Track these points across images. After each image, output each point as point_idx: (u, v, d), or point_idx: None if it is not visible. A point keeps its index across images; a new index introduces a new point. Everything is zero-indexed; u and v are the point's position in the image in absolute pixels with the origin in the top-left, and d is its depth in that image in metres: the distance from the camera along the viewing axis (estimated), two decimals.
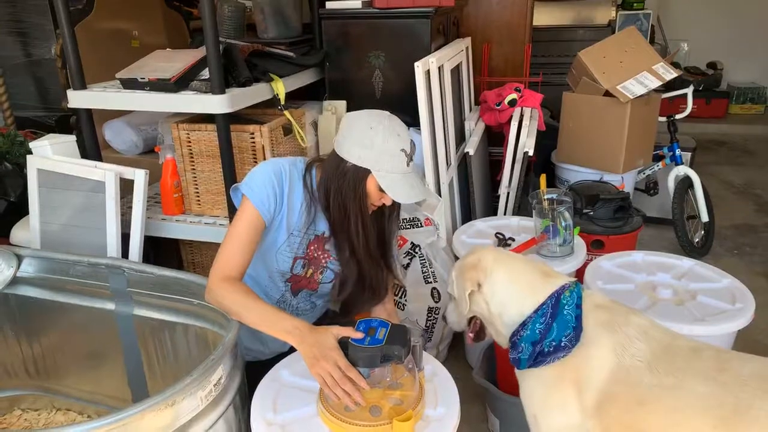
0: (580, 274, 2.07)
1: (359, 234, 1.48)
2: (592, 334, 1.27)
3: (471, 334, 1.53)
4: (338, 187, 1.43)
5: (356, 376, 1.22)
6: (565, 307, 1.29)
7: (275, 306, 1.47)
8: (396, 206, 1.55)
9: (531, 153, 2.73)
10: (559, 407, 1.28)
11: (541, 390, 1.32)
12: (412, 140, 1.43)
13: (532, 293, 1.35)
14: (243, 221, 1.43)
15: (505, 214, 2.82)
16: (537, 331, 1.29)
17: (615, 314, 1.30)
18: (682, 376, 1.18)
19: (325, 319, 1.78)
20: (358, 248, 1.50)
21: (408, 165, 1.40)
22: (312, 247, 1.56)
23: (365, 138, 1.38)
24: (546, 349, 1.28)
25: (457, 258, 2.31)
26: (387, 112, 1.44)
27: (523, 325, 1.32)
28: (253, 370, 1.46)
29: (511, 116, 2.89)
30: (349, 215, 1.45)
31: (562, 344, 1.26)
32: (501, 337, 1.42)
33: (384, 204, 1.47)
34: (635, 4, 5.34)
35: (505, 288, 1.38)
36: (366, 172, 1.39)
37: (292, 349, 1.55)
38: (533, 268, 1.41)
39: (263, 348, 1.69)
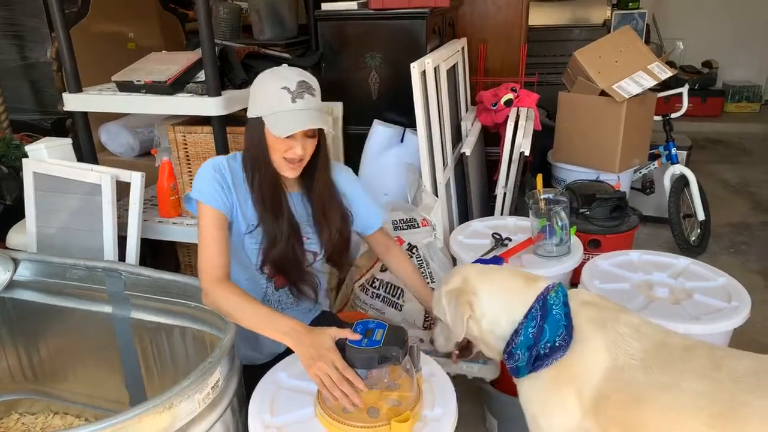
0: (576, 273, 2.07)
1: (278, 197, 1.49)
2: (584, 332, 1.27)
3: (456, 352, 1.52)
4: (248, 147, 1.47)
5: (353, 377, 1.22)
6: (554, 307, 1.29)
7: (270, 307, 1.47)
8: (319, 160, 1.53)
9: (527, 153, 2.73)
10: (559, 408, 1.28)
11: (540, 392, 1.31)
12: (304, 80, 1.43)
13: (520, 300, 1.33)
14: (207, 222, 1.45)
15: (501, 214, 2.82)
16: (530, 335, 1.29)
17: (604, 310, 1.31)
18: (676, 374, 1.19)
19: (322, 321, 1.78)
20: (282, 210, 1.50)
21: (294, 101, 1.40)
22: None
23: (255, 93, 1.45)
24: (542, 352, 1.27)
25: (454, 259, 2.32)
26: (283, 65, 1.49)
27: (516, 332, 1.31)
28: (249, 373, 1.46)
29: (508, 116, 2.89)
30: (263, 175, 1.46)
31: (557, 344, 1.26)
32: (493, 352, 1.41)
33: (295, 155, 1.45)
34: (630, 4, 5.36)
35: (494, 302, 1.36)
36: (261, 122, 1.42)
37: (287, 352, 1.55)
38: (515, 275, 1.40)
39: (257, 354, 1.69)
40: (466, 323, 1.36)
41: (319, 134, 1.49)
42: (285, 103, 1.40)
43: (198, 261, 1.44)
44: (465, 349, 1.50)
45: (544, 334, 1.27)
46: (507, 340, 1.33)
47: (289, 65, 2.46)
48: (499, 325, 1.35)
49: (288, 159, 1.45)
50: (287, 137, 1.40)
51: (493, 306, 1.36)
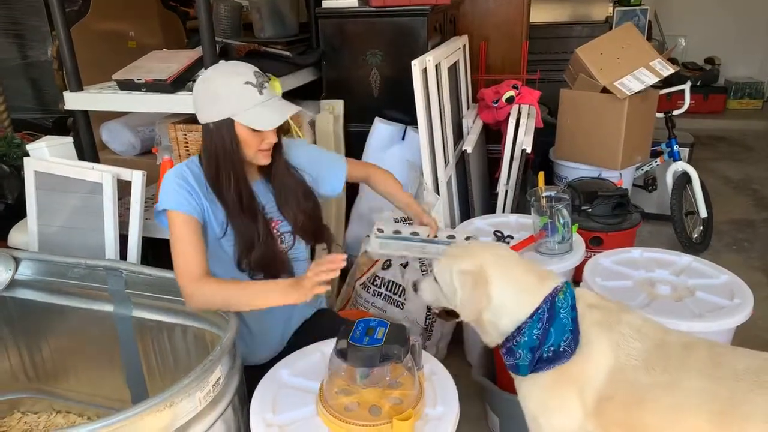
0: (578, 271, 2.07)
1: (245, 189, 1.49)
2: (589, 335, 1.26)
3: (437, 311, 1.50)
4: (215, 153, 1.46)
5: (330, 259, 1.30)
6: (561, 311, 1.27)
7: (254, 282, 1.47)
8: (278, 147, 1.55)
9: (529, 150, 2.73)
10: (560, 409, 1.28)
11: (541, 393, 1.30)
12: (256, 69, 1.44)
13: (528, 298, 1.31)
14: (180, 228, 1.45)
15: (503, 211, 2.82)
16: (535, 337, 1.27)
17: (608, 313, 1.30)
18: (676, 373, 1.18)
19: (322, 319, 1.78)
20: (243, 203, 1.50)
21: (261, 93, 1.42)
22: None
23: (208, 95, 1.43)
24: (545, 355, 1.25)
25: None
26: (221, 62, 1.49)
27: (519, 330, 1.29)
28: (251, 373, 1.46)
29: (509, 114, 2.88)
30: (236, 176, 1.47)
31: (561, 349, 1.24)
32: (488, 339, 1.39)
33: (270, 145, 1.47)
34: (632, 0, 5.34)
35: (504, 296, 1.33)
36: (230, 122, 1.42)
37: (287, 351, 1.55)
38: (529, 271, 1.36)
39: (257, 353, 1.69)
40: (477, 310, 1.33)
41: None
42: (254, 97, 1.41)
43: (174, 269, 1.44)
44: (450, 314, 1.45)
45: (549, 338, 1.25)
46: (507, 335, 1.32)
47: (288, 63, 2.49)
48: (503, 321, 1.33)
49: (263, 150, 1.47)
50: (259, 131, 1.43)
51: (502, 300, 1.33)
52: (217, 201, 1.50)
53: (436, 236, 1.76)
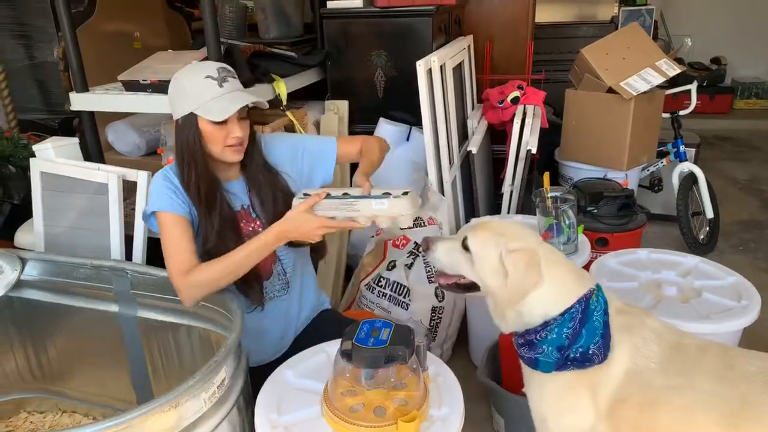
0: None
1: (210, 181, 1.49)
2: (614, 339, 1.24)
3: (448, 280, 1.40)
4: (181, 149, 1.47)
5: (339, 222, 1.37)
6: (594, 313, 1.23)
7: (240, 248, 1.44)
8: (252, 143, 1.54)
9: (534, 151, 2.72)
10: (572, 411, 1.27)
11: (554, 393, 1.29)
12: (223, 66, 1.46)
13: (564, 294, 1.26)
14: (168, 228, 1.45)
15: (508, 212, 2.81)
16: (564, 336, 1.23)
17: (632, 317, 1.28)
18: (690, 375, 1.18)
19: (324, 321, 1.78)
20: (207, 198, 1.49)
21: (222, 86, 1.42)
22: (241, 224, 1.57)
23: (176, 92, 1.46)
24: (572, 355, 1.23)
25: None
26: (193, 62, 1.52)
27: (545, 325, 1.25)
28: (257, 374, 1.46)
29: (514, 114, 2.88)
30: (199, 170, 1.46)
31: (590, 352, 1.22)
32: (504, 324, 1.33)
33: (237, 140, 1.46)
34: (638, 0, 5.32)
35: (545, 290, 1.26)
36: (193, 117, 1.43)
37: (290, 353, 1.55)
38: (572, 267, 1.32)
39: (262, 352, 1.68)
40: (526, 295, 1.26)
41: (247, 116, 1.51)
42: (214, 90, 1.42)
43: (167, 270, 1.45)
44: (462, 287, 1.39)
45: (580, 339, 1.22)
46: (530, 327, 1.28)
47: (293, 64, 2.49)
48: (531, 314, 1.27)
49: (230, 145, 1.46)
50: (224, 123, 1.43)
51: (542, 292, 1.26)
52: (188, 198, 1.50)
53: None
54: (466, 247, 1.34)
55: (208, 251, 1.50)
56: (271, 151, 1.62)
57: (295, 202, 1.41)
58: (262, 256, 1.43)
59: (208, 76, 1.42)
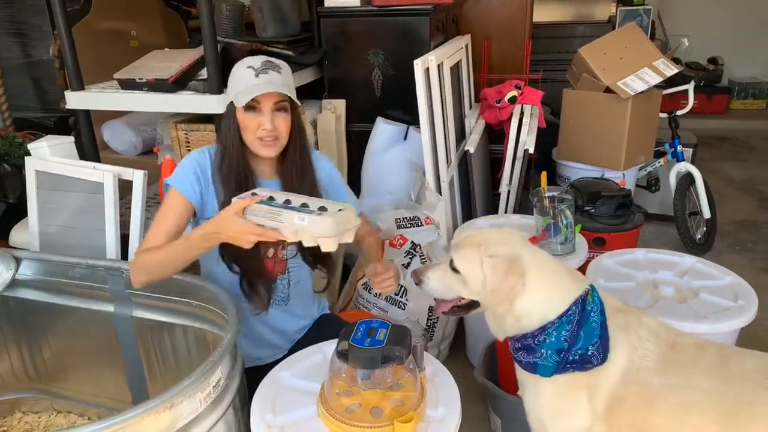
0: (581, 272, 2.05)
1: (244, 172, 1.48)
2: (612, 339, 1.24)
3: (446, 308, 1.39)
4: (222, 136, 1.49)
5: (264, 232, 1.26)
6: (591, 314, 1.23)
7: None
8: (291, 143, 1.52)
9: (531, 150, 2.72)
10: (569, 413, 1.26)
11: (551, 396, 1.28)
12: (270, 60, 1.45)
13: (560, 298, 1.25)
14: (166, 202, 1.47)
15: (506, 212, 2.81)
16: (563, 339, 1.23)
17: (629, 316, 1.28)
18: (687, 374, 1.18)
19: (326, 325, 1.77)
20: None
21: (258, 76, 1.41)
22: None
23: (229, 81, 1.49)
24: (571, 358, 1.22)
25: None
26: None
27: (543, 329, 1.24)
28: (253, 376, 1.45)
29: (512, 113, 2.88)
30: (232, 160, 1.47)
31: (589, 353, 1.21)
32: (501, 331, 1.34)
33: (266, 133, 1.44)
34: (635, 0, 5.32)
35: (536, 291, 1.26)
36: (232, 106, 1.45)
37: (292, 351, 1.54)
38: (562, 269, 1.31)
39: (261, 353, 1.68)
40: (505, 303, 1.26)
41: (293, 116, 1.49)
42: (249, 80, 1.42)
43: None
44: (463, 308, 1.37)
45: (578, 341, 1.22)
46: (526, 332, 1.27)
47: (290, 62, 2.48)
48: (530, 317, 1.26)
49: (261, 138, 1.45)
50: (256, 113, 1.43)
51: (533, 295, 1.26)
52: (219, 186, 1.50)
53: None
54: (455, 269, 1.33)
55: (232, 253, 1.49)
56: (315, 166, 1.61)
57: (234, 200, 1.33)
58: (191, 255, 1.38)
59: (249, 66, 1.43)
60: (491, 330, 1.38)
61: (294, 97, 1.47)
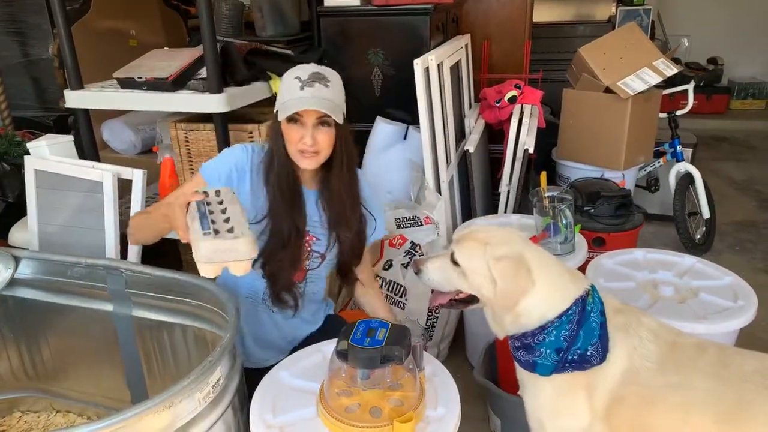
0: (581, 272, 2.05)
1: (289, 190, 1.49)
2: (611, 340, 1.24)
3: (444, 300, 1.40)
4: (270, 140, 1.49)
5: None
6: (591, 314, 1.23)
7: None
8: (336, 158, 1.49)
9: (531, 150, 2.72)
10: (569, 412, 1.26)
11: (551, 395, 1.29)
12: (319, 71, 1.43)
13: (560, 297, 1.26)
14: (192, 180, 1.51)
15: (505, 212, 2.81)
16: (562, 338, 1.23)
17: (628, 316, 1.28)
18: (686, 374, 1.18)
19: (330, 326, 1.77)
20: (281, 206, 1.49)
21: (302, 89, 1.40)
22: None
23: (279, 90, 1.48)
24: (570, 357, 1.23)
25: None
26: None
27: (543, 329, 1.25)
28: (255, 377, 1.45)
29: (511, 113, 2.88)
30: (280, 169, 1.47)
31: (588, 353, 1.22)
32: (501, 329, 1.34)
33: (307, 146, 1.42)
34: (635, 0, 5.32)
35: (538, 290, 1.26)
36: (278, 121, 1.44)
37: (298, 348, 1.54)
38: (563, 269, 1.32)
39: (268, 353, 1.68)
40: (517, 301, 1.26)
41: (339, 130, 1.46)
42: (294, 91, 1.41)
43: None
44: (462, 302, 1.38)
45: (578, 340, 1.22)
46: (526, 331, 1.28)
47: (290, 62, 2.47)
48: (530, 316, 1.27)
49: (302, 150, 1.44)
50: (298, 125, 1.41)
51: (536, 295, 1.26)
52: (264, 188, 1.50)
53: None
54: (455, 262, 1.33)
55: (271, 252, 1.51)
56: (361, 183, 1.62)
57: (191, 191, 1.29)
58: (158, 228, 1.44)
59: (296, 77, 1.41)
60: (491, 328, 1.38)
61: (338, 113, 1.42)
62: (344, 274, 1.69)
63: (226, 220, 1.21)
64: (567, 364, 1.24)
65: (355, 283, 1.72)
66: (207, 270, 1.16)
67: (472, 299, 1.36)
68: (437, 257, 1.39)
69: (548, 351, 1.24)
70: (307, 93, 1.39)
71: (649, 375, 1.20)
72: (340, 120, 1.43)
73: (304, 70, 1.44)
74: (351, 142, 1.53)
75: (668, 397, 1.17)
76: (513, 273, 1.26)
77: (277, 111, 1.45)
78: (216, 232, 1.17)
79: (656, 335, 1.24)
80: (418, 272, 1.40)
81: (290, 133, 1.43)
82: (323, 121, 1.42)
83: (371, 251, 1.75)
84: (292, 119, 1.41)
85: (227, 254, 1.15)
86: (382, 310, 1.73)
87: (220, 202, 1.27)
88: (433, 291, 1.43)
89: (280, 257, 1.52)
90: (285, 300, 1.59)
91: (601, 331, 1.23)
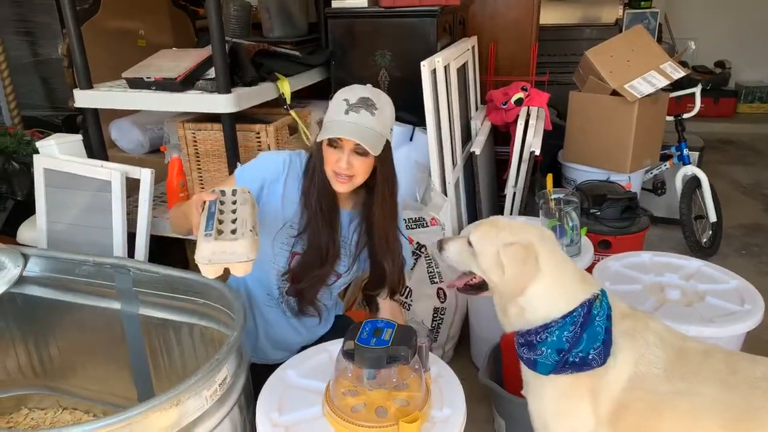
0: None
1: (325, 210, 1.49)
2: (617, 345, 1.24)
3: (459, 283, 1.43)
4: (311, 158, 1.50)
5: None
6: (596, 318, 1.23)
7: None
8: (377, 186, 1.48)
9: (537, 152, 2.72)
10: (572, 415, 1.26)
11: (554, 397, 1.29)
12: (368, 96, 1.41)
13: (567, 297, 1.26)
14: (226, 180, 1.52)
15: (511, 213, 2.81)
16: (564, 339, 1.23)
17: (637, 321, 1.27)
18: (694, 380, 1.18)
19: (339, 326, 1.78)
20: (322, 227, 1.49)
21: (347, 113, 1.38)
22: None
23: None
24: (572, 360, 1.23)
25: None
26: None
27: (546, 327, 1.25)
28: (261, 372, 1.45)
29: (518, 115, 2.87)
30: (319, 185, 1.47)
31: (590, 357, 1.22)
32: (506, 322, 1.35)
33: (342, 169, 1.41)
34: (642, 3, 5.31)
35: (544, 284, 1.27)
36: (321, 141, 1.43)
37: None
38: (574, 269, 1.32)
39: (283, 352, 1.68)
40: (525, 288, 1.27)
41: (380, 158, 1.43)
42: (339, 114, 1.39)
43: None
44: (474, 287, 1.41)
45: (580, 343, 1.22)
46: (530, 328, 1.28)
47: (297, 63, 2.48)
48: (535, 311, 1.28)
49: (337, 173, 1.43)
50: (336, 148, 1.40)
51: (540, 288, 1.27)
52: (299, 199, 1.50)
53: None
54: (471, 243, 1.37)
55: (306, 266, 1.52)
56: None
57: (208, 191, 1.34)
58: (181, 223, 1.47)
59: (345, 99, 1.40)
60: (499, 320, 1.38)
61: (378, 144, 1.39)
62: (369, 298, 1.71)
63: (233, 221, 1.23)
64: (567, 366, 1.24)
65: (375, 304, 1.72)
66: (207, 270, 1.18)
67: (482, 285, 1.38)
68: (457, 238, 1.43)
69: (549, 351, 1.25)
70: (351, 118, 1.38)
71: (656, 381, 1.19)
72: (378, 152, 1.39)
73: (354, 92, 1.41)
74: (392, 168, 1.51)
75: (676, 404, 1.16)
76: (521, 258, 1.27)
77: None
78: (219, 232, 1.19)
79: (663, 340, 1.24)
80: (440, 249, 1.44)
81: (328, 154, 1.43)
82: (361, 150, 1.40)
83: None
84: (332, 141, 1.41)
85: (226, 256, 1.17)
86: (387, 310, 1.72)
87: (234, 203, 1.29)
88: (448, 278, 1.45)
89: (315, 273, 1.53)
90: (309, 313, 1.62)
91: (606, 336, 1.23)
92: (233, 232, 1.20)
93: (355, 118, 1.38)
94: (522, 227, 1.36)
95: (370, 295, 1.69)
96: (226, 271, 1.21)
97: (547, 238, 1.35)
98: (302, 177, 1.51)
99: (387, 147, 1.44)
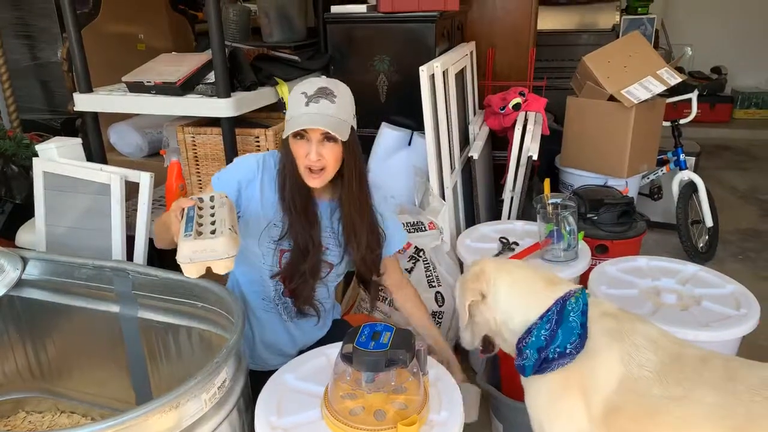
0: (584, 279, 2.06)
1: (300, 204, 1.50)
2: (599, 343, 1.26)
3: (481, 348, 1.55)
4: (281, 158, 1.50)
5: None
6: (571, 314, 1.28)
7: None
8: (345, 172, 1.49)
9: (535, 157, 2.73)
10: (566, 415, 1.27)
11: (547, 397, 1.31)
12: (326, 86, 1.42)
13: (536, 300, 1.34)
14: (204, 190, 1.52)
15: (509, 218, 2.82)
16: (542, 338, 1.29)
17: (621, 322, 1.29)
18: (690, 386, 1.17)
19: (336, 330, 1.78)
20: (301, 222, 1.50)
21: (307, 105, 1.39)
22: None
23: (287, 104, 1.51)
24: (551, 356, 1.27)
25: (461, 263, 2.31)
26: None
27: (528, 331, 1.31)
28: (260, 379, 1.46)
29: (515, 120, 2.89)
30: (293, 184, 1.48)
31: (567, 351, 1.26)
32: (508, 346, 1.42)
33: (312, 163, 1.43)
34: (639, 9, 5.34)
35: (508, 296, 1.39)
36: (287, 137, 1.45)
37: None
38: (536, 275, 1.41)
39: (275, 362, 1.68)
40: (467, 310, 1.42)
41: (347, 145, 1.45)
42: (300, 107, 1.41)
43: None
44: (488, 346, 1.52)
45: (557, 339, 1.27)
46: (519, 336, 1.34)
47: (297, 67, 2.50)
48: (513, 321, 1.37)
49: (309, 167, 1.44)
50: (305, 141, 1.42)
51: (508, 300, 1.38)
52: (275, 198, 1.52)
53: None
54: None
55: (295, 264, 1.53)
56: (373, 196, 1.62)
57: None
58: (164, 236, 1.45)
59: (302, 93, 1.41)
60: (503, 348, 1.48)
61: (343, 130, 1.41)
62: (364, 284, 1.73)
63: (212, 222, 1.26)
64: (546, 363, 1.28)
65: (378, 291, 1.74)
66: (189, 270, 1.21)
67: (485, 339, 1.50)
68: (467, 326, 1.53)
69: (531, 351, 1.30)
70: (312, 109, 1.39)
71: (648, 384, 1.19)
72: (345, 137, 1.41)
73: (311, 84, 1.43)
74: (359, 155, 1.52)
75: (672, 410, 1.16)
76: (462, 289, 1.44)
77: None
78: (199, 233, 1.22)
79: (655, 344, 1.24)
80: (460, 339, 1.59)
81: (297, 149, 1.44)
82: (329, 137, 1.41)
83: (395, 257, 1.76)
84: (299, 135, 1.42)
85: (206, 253, 1.20)
86: (423, 320, 1.77)
87: (212, 207, 1.32)
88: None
89: (302, 270, 1.53)
90: (308, 313, 1.63)
91: (581, 330, 1.27)
92: (212, 232, 1.23)
93: (316, 108, 1.39)
94: (477, 262, 1.50)
95: (362, 280, 1.73)
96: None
97: (505, 261, 1.50)
98: (276, 176, 1.52)
99: (352, 133, 1.46)
